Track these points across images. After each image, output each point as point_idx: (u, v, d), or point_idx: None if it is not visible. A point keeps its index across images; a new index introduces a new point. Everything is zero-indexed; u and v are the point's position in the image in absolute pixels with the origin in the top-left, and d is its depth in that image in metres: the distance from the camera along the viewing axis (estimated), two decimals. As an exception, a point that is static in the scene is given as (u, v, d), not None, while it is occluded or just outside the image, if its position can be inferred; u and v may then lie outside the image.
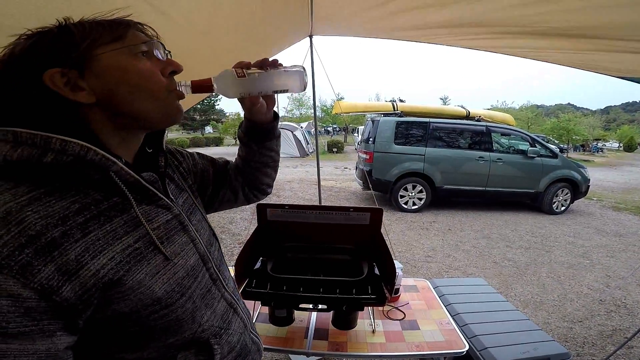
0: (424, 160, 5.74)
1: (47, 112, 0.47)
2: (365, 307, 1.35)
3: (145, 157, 0.61)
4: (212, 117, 33.52)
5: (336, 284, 1.19)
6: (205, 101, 33.88)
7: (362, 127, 6.98)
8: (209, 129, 32.17)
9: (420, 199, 5.82)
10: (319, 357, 2.06)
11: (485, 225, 5.08)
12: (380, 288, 1.21)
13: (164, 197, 0.57)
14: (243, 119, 0.84)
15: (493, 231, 4.82)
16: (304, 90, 0.71)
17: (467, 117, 6.43)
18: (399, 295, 1.50)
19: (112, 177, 0.47)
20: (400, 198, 5.81)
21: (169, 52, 0.59)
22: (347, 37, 2.38)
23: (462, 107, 6.95)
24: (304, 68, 0.68)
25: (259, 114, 0.78)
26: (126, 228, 0.49)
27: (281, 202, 1.32)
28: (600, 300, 2.95)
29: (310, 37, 2.21)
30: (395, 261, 1.53)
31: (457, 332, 1.24)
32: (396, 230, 4.72)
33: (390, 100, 6.83)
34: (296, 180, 8.51)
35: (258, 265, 1.41)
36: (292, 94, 27.90)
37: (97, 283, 0.43)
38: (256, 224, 1.42)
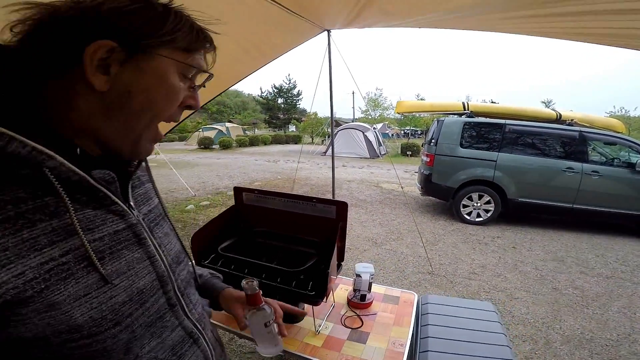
0: (496, 167, 5.05)
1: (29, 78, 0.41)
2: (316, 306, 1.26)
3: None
4: (293, 116, 35.37)
5: (277, 272, 1.14)
6: (289, 100, 35.94)
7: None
8: (292, 128, 34.05)
9: (487, 211, 5.15)
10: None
11: (562, 247, 4.25)
12: (325, 287, 1.12)
13: (118, 202, 0.48)
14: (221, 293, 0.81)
15: (570, 254, 4.01)
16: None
17: (558, 120, 5.45)
18: (371, 303, 1.36)
19: (46, 173, 0.39)
20: (463, 208, 5.24)
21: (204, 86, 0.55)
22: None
23: (553, 109, 5.92)
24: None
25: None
26: (53, 237, 0.40)
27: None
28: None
29: (328, 31, 2.15)
30: (367, 265, 1.40)
31: (402, 358, 1.07)
32: (447, 241, 4.28)
33: (483, 100, 6.17)
34: (356, 180, 8.41)
35: (227, 244, 1.44)
36: (368, 94, 27.65)
37: None
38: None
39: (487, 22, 1.74)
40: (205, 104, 2.76)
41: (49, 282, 0.39)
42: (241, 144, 19.03)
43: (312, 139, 19.91)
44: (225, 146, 17.46)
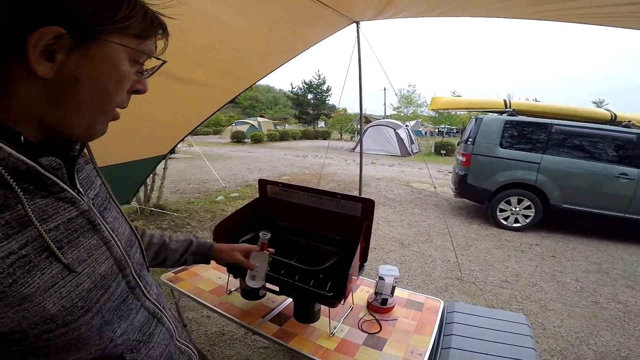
0: (539, 170, 4.70)
1: None
2: (333, 307, 1.21)
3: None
4: (323, 111, 35.28)
5: (296, 270, 1.10)
6: (318, 96, 35.90)
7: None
8: (321, 123, 34.03)
9: (525, 217, 4.82)
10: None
11: (608, 258, 3.89)
12: (344, 288, 1.06)
13: (68, 189, 0.47)
14: (193, 254, 0.92)
15: (616, 266, 3.66)
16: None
17: (612, 121, 4.96)
18: (392, 307, 1.28)
19: None
20: (500, 212, 4.93)
21: (152, 72, 0.54)
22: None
23: (607, 109, 5.41)
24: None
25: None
26: (7, 230, 0.38)
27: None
28: None
29: (357, 23, 2.06)
30: (392, 267, 1.32)
31: (418, 369, 0.99)
32: (480, 247, 4.05)
33: (525, 98, 5.79)
34: (386, 178, 8.22)
35: (248, 237, 1.42)
36: (400, 91, 26.83)
37: None
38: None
39: (527, 9, 1.58)
40: (237, 96, 2.78)
41: (14, 276, 0.38)
42: (272, 138, 19.29)
43: (341, 135, 19.76)
44: (257, 140, 17.78)
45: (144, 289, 0.59)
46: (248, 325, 1.14)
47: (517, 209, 4.83)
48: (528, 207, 4.78)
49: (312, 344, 1.08)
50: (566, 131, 4.69)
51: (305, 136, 22.71)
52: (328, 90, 36.22)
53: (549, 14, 1.48)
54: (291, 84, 37.56)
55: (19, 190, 0.39)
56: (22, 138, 0.42)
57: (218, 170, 7.47)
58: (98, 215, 0.52)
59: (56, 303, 0.41)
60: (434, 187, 3.97)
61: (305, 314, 1.18)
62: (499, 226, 4.88)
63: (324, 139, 22.06)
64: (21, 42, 0.38)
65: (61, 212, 0.46)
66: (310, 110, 35.70)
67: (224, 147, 15.05)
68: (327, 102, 37.05)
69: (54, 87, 0.42)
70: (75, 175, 0.52)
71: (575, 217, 4.66)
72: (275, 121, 30.92)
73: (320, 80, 35.94)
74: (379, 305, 1.27)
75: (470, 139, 5.18)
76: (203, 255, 0.94)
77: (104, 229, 0.52)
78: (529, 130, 4.88)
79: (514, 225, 4.85)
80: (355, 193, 6.46)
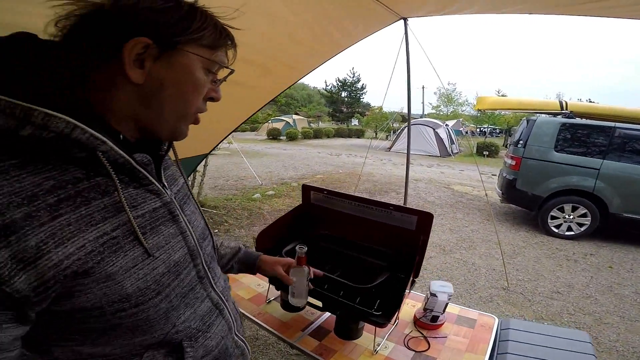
0: (598, 176, 4.29)
1: (75, 73, 0.45)
2: (381, 328, 1.15)
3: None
4: (357, 110, 34.86)
5: (341, 286, 1.05)
6: (352, 94, 35.49)
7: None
8: (354, 122, 33.70)
9: (580, 225, 4.42)
10: None
11: (678, 274, 3.47)
12: (393, 307, 1.00)
13: (155, 182, 0.53)
14: (238, 264, 0.93)
15: (687, 282, 3.26)
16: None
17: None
18: (442, 324, 1.20)
19: (99, 156, 0.44)
20: (551, 220, 4.57)
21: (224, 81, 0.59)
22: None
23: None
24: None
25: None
26: (105, 213, 0.45)
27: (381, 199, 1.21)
28: None
29: (405, 20, 1.95)
30: (445, 283, 1.23)
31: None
32: (528, 255, 3.78)
33: (578, 98, 5.36)
34: (424, 180, 7.94)
35: (291, 247, 1.39)
36: (439, 89, 25.81)
37: (58, 275, 0.39)
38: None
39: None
40: (282, 92, 2.81)
41: (103, 254, 0.43)
42: (306, 136, 19.40)
43: (376, 133, 19.40)
44: (292, 138, 17.97)
45: (212, 280, 0.63)
46: (287, 339, 1.11)
47: (571, 217, 4.45)
48: (583, 215, 4.39)
49: (354, 362, 1.03)
50: (632, 135, 4.24)
51: (339, 134, 22.59)
52: (363, 88, 35.68)
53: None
54: (325, 82, 37.49)
55: (117, 180, 0.46)
56: (121, 136, 0.50)
57: (255, 167, 7.61)
58: (178, 207, 0.58)
59: (133, 283, 0.46)
60: (485, 193, 3.72)
61: (348, 331, 1.13)
62: (549, 234, 4.54)
63: (358, 137, 21.83)
64: (119, 51, 0.45)
65: (148, 202, 0.52)
66: (344, 108, 35.42)
67: (260, 144, 15.39)
68: (361, 100, 36.56)
69: (145, 91, 0.48)
70: (162, 172, 0.59)
71: (638, 227, 4.21)
72: (310, 119, 31.09)
73: (354, 78, 35.52)
74: (428, 322, 1.19)
75: (521, 142, 4.84)
76: (249, 265, 0.93)
77: (182, 220, 0.57)
78: (587, 133, 4.47)
79: (567, 233, 4.49)
80: (392, 195, 6.30)
